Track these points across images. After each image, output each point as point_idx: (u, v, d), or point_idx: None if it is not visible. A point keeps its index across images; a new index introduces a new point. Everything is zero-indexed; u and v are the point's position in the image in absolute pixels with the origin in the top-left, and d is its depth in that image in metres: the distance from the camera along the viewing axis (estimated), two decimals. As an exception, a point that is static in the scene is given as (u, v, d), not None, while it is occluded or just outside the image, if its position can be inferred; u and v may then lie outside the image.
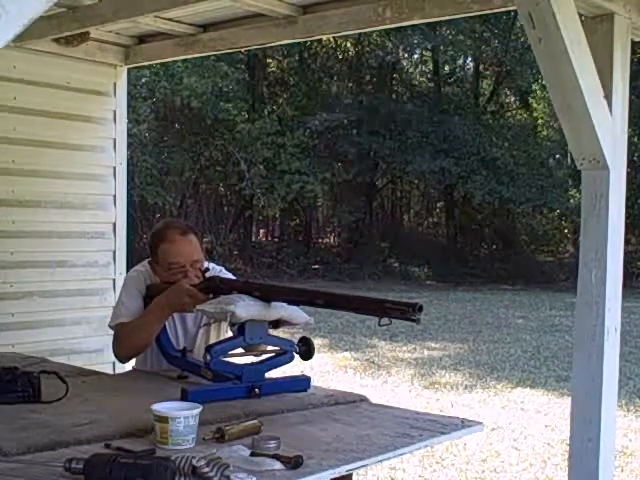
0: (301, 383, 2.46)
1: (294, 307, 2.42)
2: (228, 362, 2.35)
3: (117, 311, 2.79)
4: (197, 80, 16.08)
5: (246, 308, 2.31)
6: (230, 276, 2.84)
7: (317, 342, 8.99)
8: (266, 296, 2.39)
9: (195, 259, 2.73)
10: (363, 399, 2.43)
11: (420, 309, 1.99)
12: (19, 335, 4.05)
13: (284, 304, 2.40)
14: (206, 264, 2.78)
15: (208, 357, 2.28)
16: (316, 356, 2.52)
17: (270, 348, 2.48)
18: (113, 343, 2.77)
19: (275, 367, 2.44)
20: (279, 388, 2.40)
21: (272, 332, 2.45)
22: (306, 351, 2.42)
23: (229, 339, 2.44)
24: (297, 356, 2.44)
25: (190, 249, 2.74)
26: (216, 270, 2.80)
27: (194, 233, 2.82)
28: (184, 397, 2.16)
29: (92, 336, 4.41)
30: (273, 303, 2.39)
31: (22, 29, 1.23)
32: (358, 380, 7.50)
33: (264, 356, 2.47)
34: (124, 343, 2.72)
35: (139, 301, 2.75)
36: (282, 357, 2.43)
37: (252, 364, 2.43)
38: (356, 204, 20.07)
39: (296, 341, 2.44)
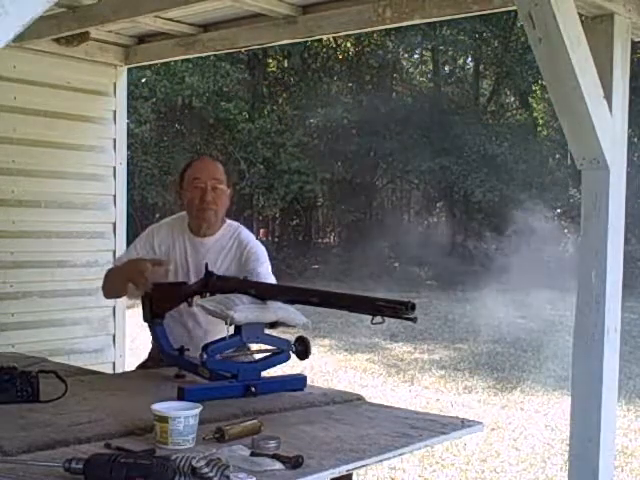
0: (297, 382, 2.47)
1: (292, 309, 2.43)
2: (224, 361, 2.36)
3: (119, 256, 3.12)
4: (199, 79, 16.09)
5: (245, 313, 2.32)
6: (251, 238, 2.95)
7: (317, 342, 9.04)
8: (262, 294, 2.40)
9: (217, 179, 2.85)
10: (359, 398, 2.44)
11: (413, 307, 1.98)
12: (19, 335, 4.05)
13: (282, 305, 2.41)
14: (228, 221, 2.95)
15: (204, 356, 2.29)
16: (316, 356, 2.53)
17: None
18: None
19: (271, 366, 2.45)
20: (275, 387, 2.40)
21: (269, 332, 2.46)
22: (303, 351, 2.42)
23: (226, 338, 2.44)
24: (294, 356, 2.45)
25: (214, 169, 2.90)
26: (233, 226, 2.94)
27: (223, 166, 2.98)
28: (180, 396, 2.16)
29: (92, 336, 4.41)
30: (271, 305, 2.39)
31: (22, 29, 1.23)
32: (358, 380, 7.50)
33: (260, 355, 2.47)
34: (103, 285, 3.02)
35: (136, 253, 2.92)
36: (278, 356, 2.44)
37: (248, 363, 2.44)
38: (356, 204, 20.06)
39: (293, 340, 2.44)
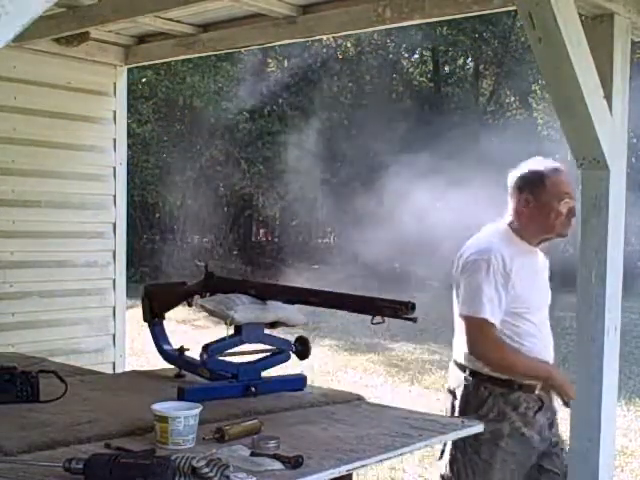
0: (297, 382, 2.47)
1: (291, 309, 2.43)
2: (224, 361, 2.36)
3: (479, 301, 2.45)
4: (200, 79, 16.10)
5: (245, 313, 2.32)
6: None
7: (317, 342, 9.03)
8: (262, 294, 2.40)
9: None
10: (359, 398, 2.44)
11: (413, 307, 1.99)
12: (19, 335, 4.05)
13: (282, 305, 2.41)
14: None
15: (205, 356, 2.29)
16: (316, 356, 2.52)
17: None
18: (469, 335, 2.47)
19: (271, 366, 2.45)
20: (275, 387, 2.41)
21: (269, 332, 2.46)
22: (302, 351, 2.42)
23: (226, 338, 2.44)
24: (294, 356, 2.45)
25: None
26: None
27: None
28: (180, 396, 2.16)
29: (92, 336, 4.41)
30: (271, 305, 2.39)
31: (22, 29, 1.23)
32: (358, 380, 7.50)
33: (260, 355, 2.48)
34: (492, 354, 2.48)
35: (502, 293, 2.48)
36: (278, 356, 2.44)
37: (248, 363, 2.44)
38: (356, 204, 20.05)
39: (293, 340, 2.45)
